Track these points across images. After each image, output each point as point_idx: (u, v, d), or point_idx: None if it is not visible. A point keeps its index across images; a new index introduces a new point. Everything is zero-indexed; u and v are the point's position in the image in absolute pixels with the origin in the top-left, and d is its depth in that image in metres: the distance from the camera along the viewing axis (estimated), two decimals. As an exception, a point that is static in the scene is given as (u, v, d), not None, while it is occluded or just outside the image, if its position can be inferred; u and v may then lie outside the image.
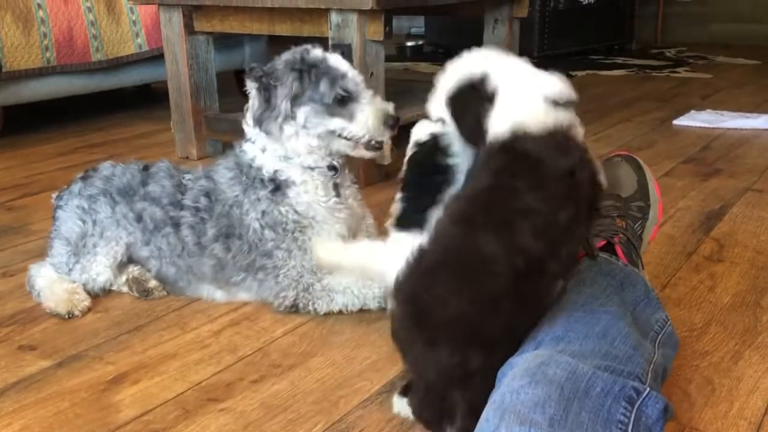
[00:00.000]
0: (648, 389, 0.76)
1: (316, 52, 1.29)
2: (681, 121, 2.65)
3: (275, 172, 1.29)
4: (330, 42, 1.92)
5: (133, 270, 1.35)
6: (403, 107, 2.35)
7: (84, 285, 1.34)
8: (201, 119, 2.30)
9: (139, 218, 1.33)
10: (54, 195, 1.43)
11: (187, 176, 1.35)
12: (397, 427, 0.95)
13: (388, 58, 2.00)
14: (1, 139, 2.43)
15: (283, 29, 2.05)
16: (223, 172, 1.32)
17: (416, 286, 0.85)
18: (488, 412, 0.73)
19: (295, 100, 1.27)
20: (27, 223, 1.76)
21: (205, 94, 2.32)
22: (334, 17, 1.88)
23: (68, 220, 1.36)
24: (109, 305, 1.32)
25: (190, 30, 2.23)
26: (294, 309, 1.27)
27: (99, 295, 1.35)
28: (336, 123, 1.29)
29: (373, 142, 1.32)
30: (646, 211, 1.19)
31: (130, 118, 2.92)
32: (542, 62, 4.23)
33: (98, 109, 3.04)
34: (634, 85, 3.52)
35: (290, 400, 1.02)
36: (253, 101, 1.29)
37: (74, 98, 2.79)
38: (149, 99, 3.19)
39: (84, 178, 1.40)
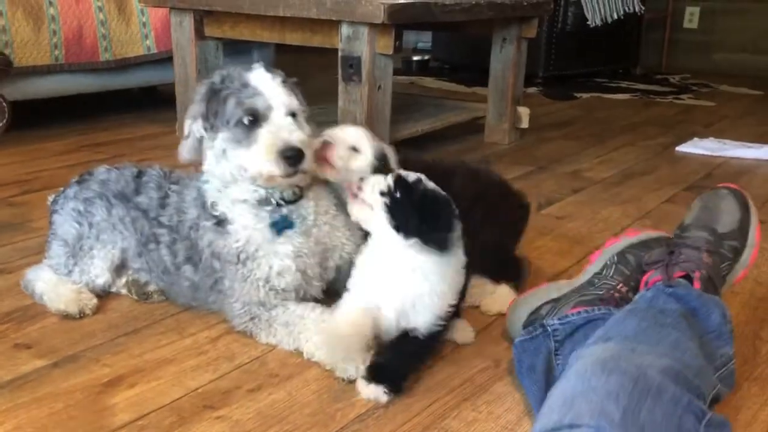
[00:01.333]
0: (711, 414, 0.74)
1: (240, 69, 1.16)
2: (684, 148, 2.66)
3: (212, 204, 1.21)
4: (340, 54, 1.92)
5: (133, 273, 1.35)
6: (407, 121, 2.36)
7: (86, 286, 1.33)
8: (206, 124, 2.30)
9: (133, 224, 1.32)
10: (50, 198, 1.42)
11: (173, 187, 1.31)
12: (393, 443, 0.95)
13: (394, 72, 2.01)
14: (5, 134, 2.42)
15: (293, 38, 2.06)
16: (191, 191, 1.27)
17: None
18: (553, 402, 0.69)
19: (209, 124, 1.17)
20: (27, 220, 1.75)
21: (212, 99, 2.32)
22: (345, 29, 1.89)
23: (64, 223, 1.35)
24: (107, 307, 1.32)
25: (200, 35, 2.24)
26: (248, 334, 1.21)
27: (101, 296, 1.34)
28: (237, 154, 1.14)
29: (276, 177, 1.13)
30: (740, 252, 1.14)
31: (135, 119, 2.92)
32: (548, 82, 4.21)
33: (104, 109, 3.04)
34: (638, 110, 3.54)
35: (286, 411, 1.01)
36: None
37: (81, 97, 2.79)
38: (155, 101, 3.20)
39: (79, 182, 1.39)
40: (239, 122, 1.14)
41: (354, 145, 1.26)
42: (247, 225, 1.20)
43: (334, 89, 2.00)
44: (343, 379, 1.08)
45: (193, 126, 1.19)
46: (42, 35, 2.51)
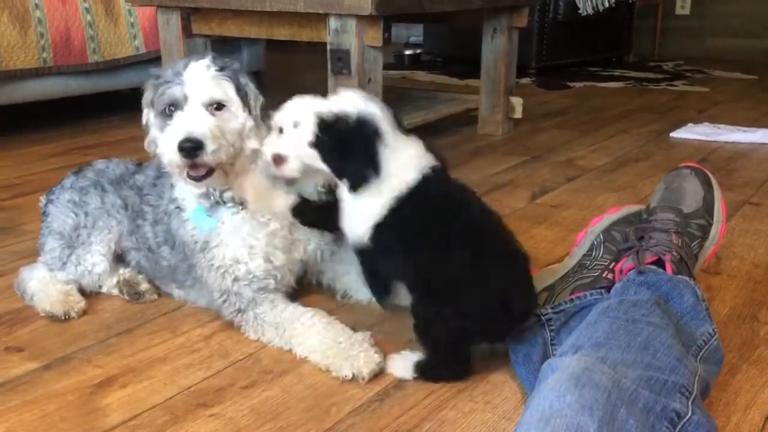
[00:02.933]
0: (690, 414, 0.74)
1: (186, 60, 1.16)
2: (678, 134, 2.65)
3: (171, 187, 1.24)
4: (328, 47, 1.91)
5: (124, 272, 1.33)
6: (399, 115, 2.34)
7: (79, 280, 1.32)
8: (197, 122, 2.29)
9: (125, 206, 1.32)
10: (42, 199, 1.41)
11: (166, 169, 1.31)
12: (390, 436, 0.94)
13: (386, 66, 2.00)
14: (-5, 139, 2.41)
15: (281, 33, 2.04)
16: (153, 176, 1.29)
17: None
18: (530, 421, 0.70)
19: (154, 110, 1.18)
20: (18, 224, 1.74)
21: (202, 97, 2.31)
22: (333, 22, 1.87)
23: (60, 215, 1.34)
24: (98, 308, 1.30)
25: (188, 32, 2.22)
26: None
27: (91, 294, 1.33)
28: (158, 140, 1.16)
29: (177, 170, 1.14)
30: (707, 230, 1.15)
31: (125, 120, 2.90)
32: (541, 72, 4.21)
33: (94, 111, 3.02)
34: (632, 98, 3.53)
35: (281, 407, 1.00)
36: None
37: (70, 99, 2.77)
38: (145, 102, 3.18)
39: (76, 173, 1.39)
40: (161, 111, 1.15)
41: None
42: (197, 215, 1.20)
43: (326, 85, 1.99)
44: (340, 379, 1.06)
45: (148, 116, 1.20)
46: (29, 38, 2.49)
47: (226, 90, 1.15)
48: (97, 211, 1.33)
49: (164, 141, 1.13)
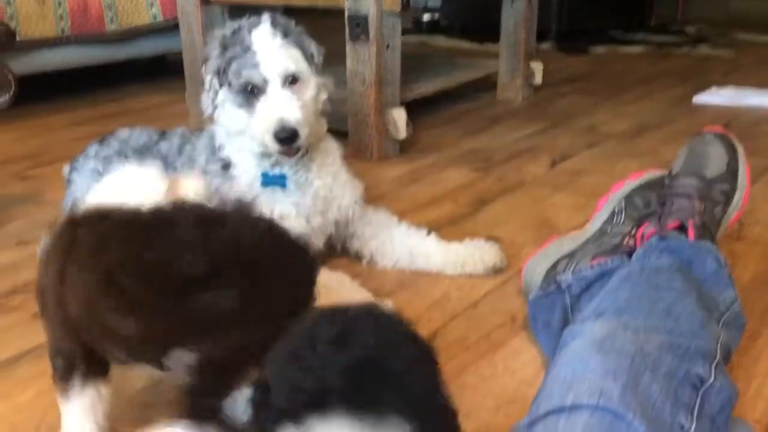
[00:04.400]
0: (712, 378, 0.74)
1: (247, 26, 1.18)
2: (701, 98, 2.60)
3: (219, 148, 1.26)
4: (346, 13, 1.89)
5: None
6: (418, 81, 2.33)
7: None
8: (215, 91, 2.29)
9: None
10: (65, 166, 1.42)
11: (192, 138, 1.35)
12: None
13: (404, 32, 1.97)
14: (15, 109, 2.42)
15: (299, 0, 2.03)
16: (202, 138, 1.31)
17: None
18: (553, 386, 0.71)
19: (221, 76, 1.20)
20: (41, 193, 1.76)
21: (220, 65, 2.30)
22: (351, -13, 1.85)
23: (83, 184, 1.35)
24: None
25: (205, 0, 2.20)
26: None
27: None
28: (240, 117, 1.19)
29: (273, 151, 1.18)
30: (731, 195, 1.14)
31: (144, 89, 2.91)
32: (561, 37, 4.13)
33: (112, 80, 3.03)
34: (654, 62, 3.47)
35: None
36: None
37: (88, 69, 2.78)
38: (164, 70, 3.18)
39: (101, 141, 1.41)
40: (239, 89, 1.17)
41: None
42: (249, 170, 1.23)
43: (344, 51, 1.97)
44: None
45: (212, 79, 1.22)
46: (47, 7, 2.49)
47: (297, 60, 1.18)
48: None
49: (254, 125, 1.17)
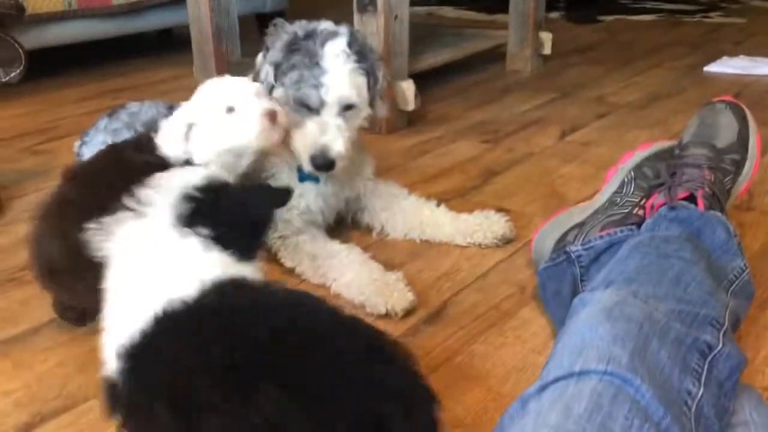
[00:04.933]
0: (720, 345, 0.75)
1: (322, 37, 1.14)
2: (712, 68, 2.58)
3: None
4: (354, -16, 1.87)
5: None
6: (426, 52, 2.31)
7: None
8: (223, 64, 2.28)
9: None
10: (75, 144, 1.43)
11: None
12: (422, 369, 0.96)
13: (412, 2, 1.95)
14: (25, 84, 2.42)
15: (305, -29, 2.01)
16: None
17: None
18: (563, 353, 0.71)
19: (279, 73, 1.18)
20: (52, 167, 1.77)
21: (227, 38, 2.29)
22: (359, -42, 1.84)
23: None
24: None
25: (211, -28, 2.19)
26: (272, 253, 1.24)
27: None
28: (292, 124, 1.16)
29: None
30: (741, 165, 1.14)
31: (152, 63, 2.91)
32: (570, 6, 4.07)
33: (120, 54, 3.03)
34: (664, 31, 3.43)
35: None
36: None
37: (96, 43, 2.77)
38: (171, 44, 3.17)
39: (110, 115, 1.41)
40: (294, 100, 1.16)
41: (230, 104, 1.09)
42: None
43: (352, 22, 1.96)
44: (373, 315, 1.09)
45: (269, 73, 1.19)
46: (53, -19, 2.48)
47: (360, 88, 1.16)
48: None
49: (297, 138, 1.16)
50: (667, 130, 1.92)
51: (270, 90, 1.20)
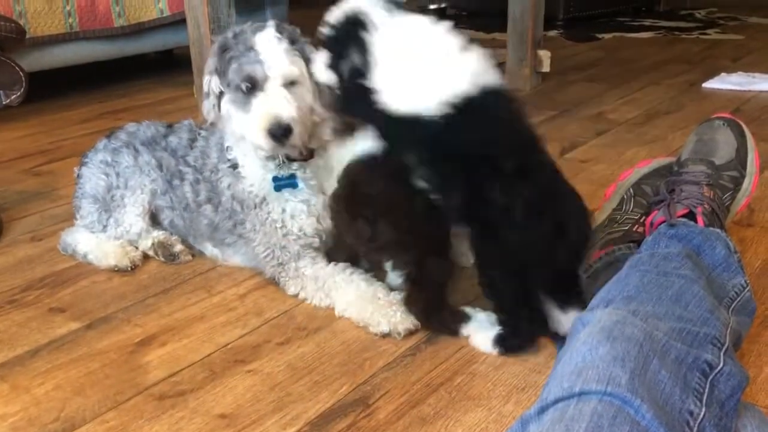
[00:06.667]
0: (722, 365, 0.74)
1: (251, 30, 1.15)
2: (711, 84, 2.59)
3: (227, 149, 1.24)
4: (352, 4, 1.89)
5: (158, 235, 1.36)
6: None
7: (120, 238, 1.36)
8: (223, 84, 2.29)
9: (159, 166, 1.35)
10: (76, 169, 1.44)
11: (203, 133, 1.35)
12: (423, 389, 0.96)
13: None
14: (26, 106, 2.44)
15: (305, -8, 2.02)
16: (216, 135, 1.30)
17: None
18: (563, 373, 0.71)
19: (222, 80, 1.17)
20: (54, 188, 1.78)
21: (227, 58, 2.30)
22: (357, -21, 1.85)
23: (92, 177, 1.38)
24: (136, 269, 1.34)
25: (211, -7, 2.21)
26: (275, 281, 1.24)
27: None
28: (238, 119, 1.15)
29: (263, 152, 1.17)
30: (740, 181, 1.14)
31: (153, 83, 2.92)
32: (569, 24, 4.09)
33: (121, 75, 3.05)
34: (663, 48, 3.44)
35: (316, 362, 1.03)
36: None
37: (97, 64, 2.79)
38: (172, 64, 3.19)
39: (109, 136, 1.42)
40: (238, 87, 1.14)
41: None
42: (256, 173, 1.22)
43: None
44: (376, 335, 1.08)
45: (211, 83, 1.20)
46: (55, 4, 2.50)
47: (300, 67, 1.15)
48: (128, 170, 1.35)
49: (248, 122, 1.13)
50: (666, 147, 1.92)
51: (219, 97, 1.19)
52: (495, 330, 1.03)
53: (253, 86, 1.13)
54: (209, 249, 1.35)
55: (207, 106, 1.22)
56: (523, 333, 1.02)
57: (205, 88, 1.21)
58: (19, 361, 1.06)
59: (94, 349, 1.08)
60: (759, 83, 2.53)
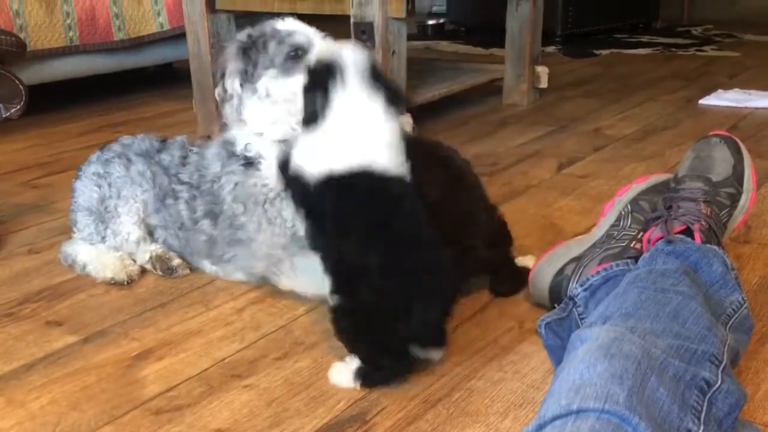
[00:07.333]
0: (720, 382, 0.74)
1: (266, 23, 1.24)
2: (707, 101, 2.60)
3: (246, 146, 1.27)
4: (352, 20, 1.90)
5: (156, 248, 1.36)
6: (424, 86, 2.33)
7: (119, 248, 1.36)
8: (222, 98, 2.30)
9: (153, 179, 1.35)
10: (73, 181, 1.44)
11: (194, 149, 1.36)
12: (420, 405, 0.96)
13: (409, 37, 1.98)
14: (26, 118, 2.44)
15: (304, 7, 2.04)
16: (211, 148, 1.32)
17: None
18: (560, 390, 0.71)
19: (249, 76, 1.23)
20: (52, 201, 1.78)
21: (227, 73, 2.31)
22: (356, -5, 1.87)
23: (85, 189, 1.38)
24: (133, 283, 1.33)
25: (211, 8, 2.22)
26: (262, 280, 1.27)
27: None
28: (296, 80, 1.19)
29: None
30: (737, 198, 1.15)
31: (152, 97, 2.93)
32: (566, 40, 4.13)
33: (121, 89, 3.05)
34: (659, 64, 3.47)
35: (313, 378, 1.02)
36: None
37: (97, 77, 2.80)
38: (171, 78, 3.20)
39: (102, 148, 1.43)
40: (287, 56, 1.20)
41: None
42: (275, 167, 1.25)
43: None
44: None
45: (234, 84, 1.24)
46: (55, 17, 2.51)
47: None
48: (120, 180, 1.36)
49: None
50: (664, 163, 1.93)
51: (240, 100, 1.23)
52: (356, 363, 1.00)
53: (300, 53, 1.20)
54: (208, 267, 1.35)
55: (230, 108, 1.26)
56: (385, 370, 0.99)
57: (229, 90, 1.25)
58: (14, 375, 1.05)
59: (90, 363, 1.08)
60: (755, 100, 2.55)
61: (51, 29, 2.50)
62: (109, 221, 1.36)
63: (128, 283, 1.31)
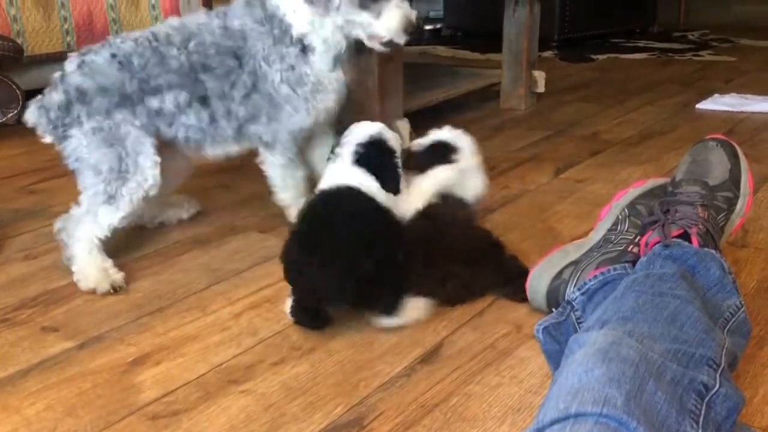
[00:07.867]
0: (718, 386, 0.74)
1: None
2: (704, 105, 2.61)
3: (303, 34, 1.40)
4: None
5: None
6: (420, 91, 2.34)
7: (136, 194, 1.37)
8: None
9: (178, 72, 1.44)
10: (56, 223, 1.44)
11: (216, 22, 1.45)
12: (418, 410, 0.95)
13: (406, 42, 1.98)
14: (23, 124, 2.44)
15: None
16: (253, 26, 1.40)
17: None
18: (558, 395, 0.71)
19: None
20: (49, 206, 1.77)
21: (224, 77, 2.31)
22: (353, 0, 1.87)
23: (93, 150, 1.43)
24: (129, 288, 1.33)
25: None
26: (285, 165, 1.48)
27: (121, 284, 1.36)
28: (363, 18, 1.40)
29: (390, 42, 1.45)
30: (734, 202, 1.15)
31: (149, 102, 2.93)
32: (563, 45, 4.14)
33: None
34: (656, 69, 3.47)
35: (310, 383, 1.02)
36: None
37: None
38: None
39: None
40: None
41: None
42: (325, 59, 1.44)
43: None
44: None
45: None
46: (53, 22, 2.51)
47: None
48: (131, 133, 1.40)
49: (384, 21, 1.41)
50: (661, 167, 1.93)
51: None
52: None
53: None
54: (217, 150, 1.48)
55: None
56: (309, 314, 1.16)
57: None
58: (10, 381, 1.05)
59: (86, 369, 1.07)
60: (752, 104, 2.55)
61: (48, 34, 2.50)
62: (128, 170, 1.38)
63: (114, 291, 1.30)
